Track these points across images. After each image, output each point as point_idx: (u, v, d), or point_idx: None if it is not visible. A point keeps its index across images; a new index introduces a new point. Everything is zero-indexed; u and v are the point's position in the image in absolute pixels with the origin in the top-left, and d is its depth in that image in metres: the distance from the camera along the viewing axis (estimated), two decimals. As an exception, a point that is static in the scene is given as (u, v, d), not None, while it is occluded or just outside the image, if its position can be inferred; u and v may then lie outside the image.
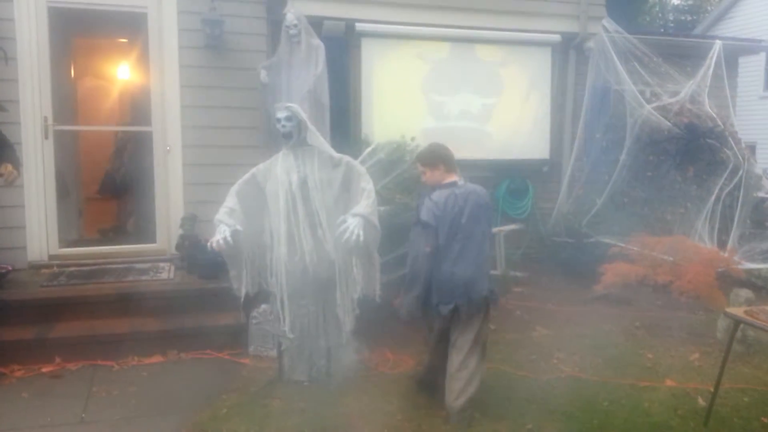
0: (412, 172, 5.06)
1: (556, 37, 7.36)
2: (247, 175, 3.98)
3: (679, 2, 23.48)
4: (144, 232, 5.94)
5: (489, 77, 7.32)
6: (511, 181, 7.40)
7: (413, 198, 4.85)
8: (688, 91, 7.50)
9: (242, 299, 3.99)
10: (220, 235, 3.57)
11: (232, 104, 5.40)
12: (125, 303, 4.48)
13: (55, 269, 5.06)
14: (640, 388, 4.01)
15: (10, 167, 3.92)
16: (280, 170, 3.87)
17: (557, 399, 3.83)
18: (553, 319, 5.43)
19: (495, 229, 6.71)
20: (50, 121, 5.11)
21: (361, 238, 3.55)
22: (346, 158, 3.96)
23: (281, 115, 3.82)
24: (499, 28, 7.10)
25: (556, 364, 4.40)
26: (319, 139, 3.98)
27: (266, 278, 3.98)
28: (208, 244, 3.59)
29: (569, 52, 7.56)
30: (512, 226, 6.91)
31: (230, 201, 3.82)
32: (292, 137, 3.84)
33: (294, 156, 3.88)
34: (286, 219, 3.81)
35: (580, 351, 4.63)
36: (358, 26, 6.49)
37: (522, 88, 7.48)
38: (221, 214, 3.72)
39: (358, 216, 3.62)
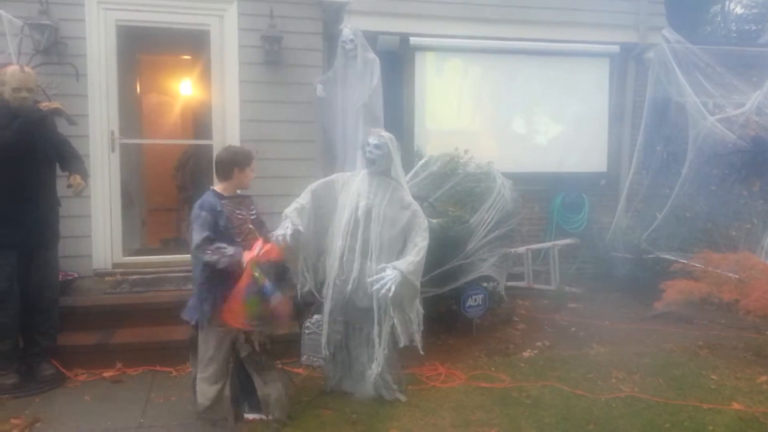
0: (466, 184, 5.04)
1: (615, 48, 7.21)
2: (329, 177, 4.04)
3: (742, 11, 22.61)
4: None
5: (544, 89, 7.23)
6: (565, 195, 7.25)
7: (466, 211, 4.81)
8: (754, 102, 7.18)
9: (299, 295, 3.98)
10: (282, 230, 3.59)
11: (289, 118, 5.51)
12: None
13: (119, 277, 5.24)
14: (704, 411, 3.82)
15: (78, 178, 4.10)
16: (354, 189, 3.90)
17: (616, 420, 3.69)
18: (610, 337, 5.26)
19: (549, 243, 6.59)
20: (117, 135, 5.34)
21: (390, 293, 3.55)
22: (416, 206, 3.93)
23: (372, 141, 3.81)
24: (555, 40, 7.01)
25: (615, 384, 4.25)
26: (400, 176, 3.97)
27: (319, 283, 4.02)
28: (271, 235, 3.60)
29: (628, 63, 7.39)
30: (567, 241, 6.77)
31: (303, 198, 3.84)
32: (375, 165, 3.83)
33: (370, 182, 3.88)
34: (343, 238, 3.84)
35: (640, 370, 4.47)
36: (413, 40, 6.54)
37: (579, 100, 7.35)
38: (291, 209, 3.74)
39: (398, 270, 3.60)
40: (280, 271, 3.91)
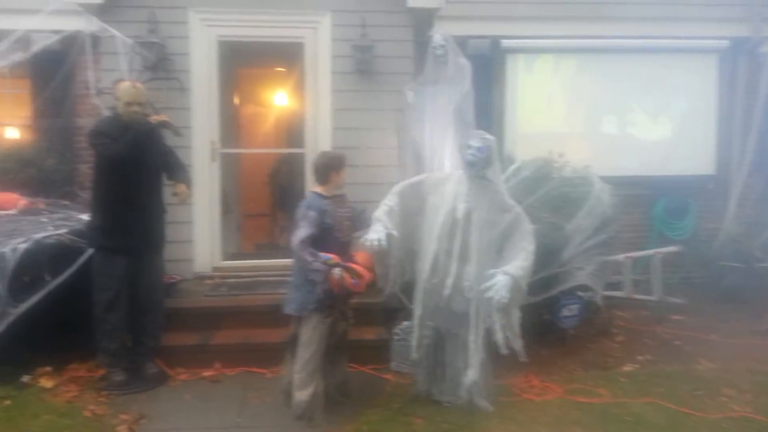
0: (561, 189, 4.84)
1: (724, 43, 6.71)
2: (415, 179, 4.02)
3: None
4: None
5: (643, 88, 6.84)
6: (669, 200, 6.81)
7: (562, 217, 4.62)
8: None
9: (384, 298, 3.99)
10: (375, 235, 3.59)
11: (379, 125, 5.57)
12: (278, 314, 4.67)
13: (217, 280, 5.48)
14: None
15: (183, 187, 4.33)
16: (449, 191, 3.83)
17: (729, 443, 3.40)
18: (719, 352, 4.88)
19: (651, 251, 6.22)
20: (217, 145, 5.60)
21: (504, 301, 3.47)
22: (518, 209, 3.83)
23: (475, 143, 3.73)
24: (656, 36, 6.62)
25: (726, 402, 3.93)
26: (498, 178, 3.91)
27: (407, 286, 4.01)
28: (363, 240, 3.65)
29: (738, 58, 6.84)
30: (670, 248, 6.34)
31: (391, 200, 3.84)
32: (475, 168, 3.75)
33: (469, 185, 3.79)
34: (438, 241, 3.77)
35: (753, 389, 4.12)
36: (504, 43, 6.40)
37: (682, 99, 6.90)
38: (380, 212, 3.75)
39: (509, 276, 3.52)
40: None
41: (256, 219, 7.68)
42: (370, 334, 4.62)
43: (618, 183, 5.13)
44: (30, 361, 4.12)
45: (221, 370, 4.46)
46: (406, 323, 4.39)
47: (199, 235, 5.55)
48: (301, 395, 3.67)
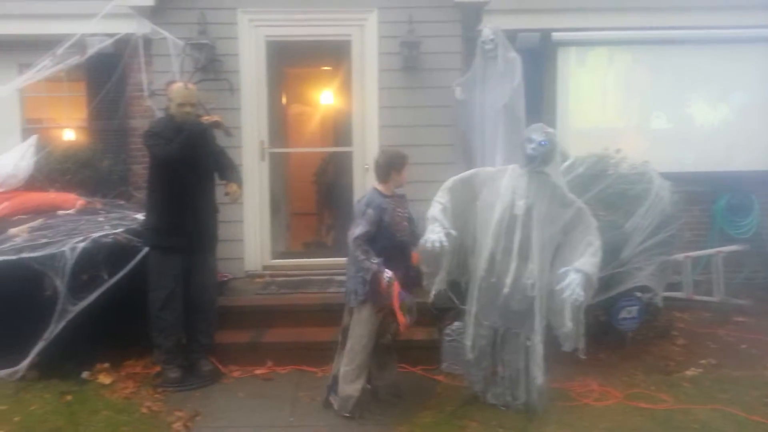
0: (618, 186, 4.67)
1: (789, 31, 6.35)
2: (466, 174, 3.92)
3: None
4: (343, 246, 6.25)
5: (704, 81, 6.54)
6: (731, 196, 6.49)
7: (620, 215, 4.45)
8: None
9: (432, 298, 3.89)
10: (434, 235, 3.51)
11: (427, 122, 5.49)
12: (328, 313, 4.69)
13: (267, 279, 5.51)
14: None
15: (234, 186, 4.36)
16: (505, 186, 3.73)
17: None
18: (788, 356, 4.61)
19: (712, 251, 5.95)
20: (266, 145, 5.63)
21: (581, 299, 3.36)
22: (579, 203, 3.71)
23: (537, 137, 3.62)
24: (716, 27, 6.31)
25: (800, 411, 3.70)
26: (557, 172, 3.80)
27: (458, 286, 3.95)
28: (422, 241, 3.57)
29: (805, 47, 6.46)
30: (733, 247, 6.05)
31: (443, 197, 3.75)
32: (536, 162, 3.63)
33: (528, 180, 3.67)
34: (494, 238, 3.67)
35: (828, 396, 3.86)
36: (555, 35, 6.21)
37: (745, 91, 6.56)
38: (436, 211, 3.66)
39: (581, 273, 3.41)
40: (414, 277, 3.89)
41: (303, 218, 7.72)
42: (419, 334, 4.56)
43: (676, 179, 4.92)
44: (89, 357, 4.22)
45: (273, 368, 4.48)
46: (457, 323, 4.31)
47: (250, 233, 5.60)
48: (349, 389, 3.66)
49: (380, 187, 3.73)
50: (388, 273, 3.50)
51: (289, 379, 4.36)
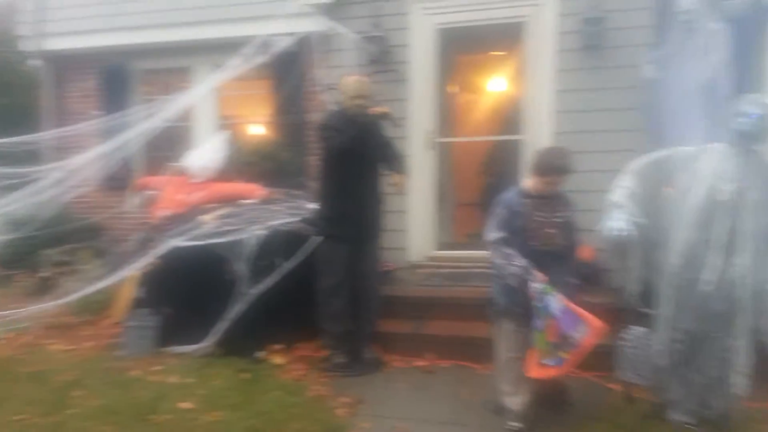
0: None
1: None
2: (657, 155, 3.40)
3: None
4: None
5: None
6: None
7: None
8: None
9: (627, 295, 3.48)
10: (616, 223, 3.14)
11: (610, 106, 5.01)
12: (490, 308, 4.54)
13: (431, 270, 5.45)
14: None
15: (400, 177, 4.37)
16: (704, 169, 3.19)
17: None
18: None
19: None
20: (433, 134, 5.56)
21: None
22: None
23: (751, 109, 3.08)
24: None
25: None
26: None
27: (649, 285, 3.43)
28: (607, 230, 3.19)
29: None
30: None
31: (630, 181, 3.30)
32: (748, 139, 3.10)
33: (738, 160, 3.12)
34: (692, 229, 3.16)
35: None
36: (770, -1, 5.28)
37: None
38: (620, 195, 3.26)
39: None
40: (592, 274, 3.51)
41: (469, 208, 7.53)
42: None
43: None
44: (265, 338, 4.49)
45: (434, 361, 4.43)
46: (640, 329, 3.85)
47: (414, 224, 5.58)
48: (510, 402, 3.41)
49: (527, 185, 3.33)
50: (538, 279, 3.10)
51: (449, 373, 4.27)
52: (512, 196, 3.31)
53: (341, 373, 4.25)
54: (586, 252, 3.30)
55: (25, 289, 6.10)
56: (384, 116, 4.24)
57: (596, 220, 3.37)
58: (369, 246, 4.43)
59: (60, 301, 5.16)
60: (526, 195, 3.29)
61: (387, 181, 4.45)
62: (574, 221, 3.40)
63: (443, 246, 5.89)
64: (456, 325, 4.63)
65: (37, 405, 3.67)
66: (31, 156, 6.16)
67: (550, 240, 3.24)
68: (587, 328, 3.01)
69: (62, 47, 7.25)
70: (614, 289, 3.64)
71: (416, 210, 5.58)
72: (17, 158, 5.72)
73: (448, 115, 6.86)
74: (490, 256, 3.28)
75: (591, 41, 4.98)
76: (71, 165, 5.72)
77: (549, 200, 3.30)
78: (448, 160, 6.63)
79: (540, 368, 3.14)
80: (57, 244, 6.31)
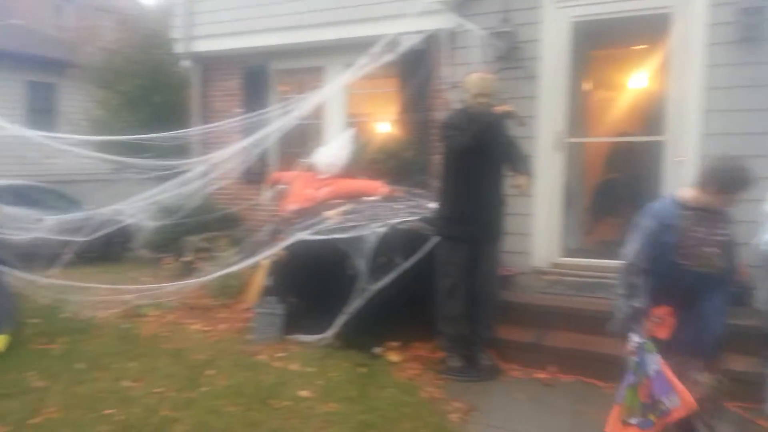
0: None
1: None
2: None
3: None
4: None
5: None
6: None
7: None
8: None
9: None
10: None
11: (766, 106, 4.49)
12: (620, 323, 4.24)
13: (554, 277, 5.21)
14: None
15: (524, 178, 4.23)
16: None
17: None
18: None
19: None
20: (563, 134, 5.30)
21: None
22: None
23: None
24: None
25: None
26: None
27: None
28: (764, 244, 2.83)
29: None
30: None
31: None
32: None
33: None
34: None
35: None
36: None
37: None
38: None
39: None
40: (742, 294, 3.13)
41: (598, 214, 7.12)
42: (738, 363, 3.74)
43: None
44: (382, 334, 4.55)
45: (555, 374, 4.24)
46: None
47: (538, 228, 5.37)
48: None
49: (687, 194, 2.81)
50: (637, 338, 2.72)
51: (571, 389, 4.06)
52: (665, 207, 2.84)
53: (456, 377, 4.19)
54: (741, 271, 2.90)
55: (170, 272, 6.70)
56: (508, 115, 4.12)
57: (750, 233, 2.99)
58: (489, 248, 4.32)
59: (197, 281, 5.61)
60: (685, 206, 2.79)
61: (510, 182, 4.33)
62: (736, 240, 2.89)
63: (569, 252, 5.61)
64: (580, 338, 4.39)
65: (174, 380, 4.00)
66: (179, 150, 6.74)
67: (708, 261, 2.74)
68: (679, 400, 2.64)
69: (208, 49, 7.86)
70: (762, 311, 3.22)
71: (541, 213, 5.36)
72: (168, 152, 6.29)
73: (580, 114, 6.51)
74: (617, 276, 2.91)
75: (749, 33, 4.47)
76: (214, 159, 6.18)
77: (710, 214, 2.79)
78: (578, 161, 6.30)
79: (623, 427, 2.83)
80: (199, 231, 6.85)
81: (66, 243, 5.80)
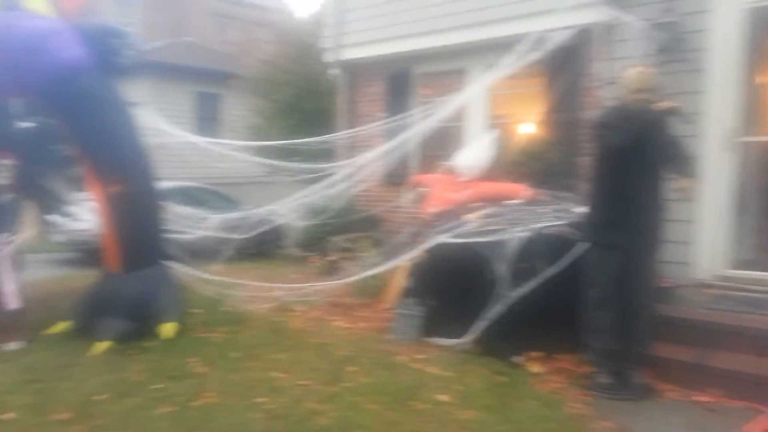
0: None
1: None
2: None
3: None
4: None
5: None
6: None
7: None
8: None
9: None
10: None
11: None
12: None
13: (720, 291, 4.69)
14: None
15: (688, 181, 3.90)
16: None
17: None
18: None
19: None
20: (735, 132, 4.76)
21: None
22: None
23: None
24: None
25: None
26: None
27: None
28: None
29: None
30: None
31: None
32: None
33: None
34: None
35: None
36: None
37: None
38: None
39: None
40: None
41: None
42: None
43: None
44: (522, 343, 4.38)
45: (720, 398, 3.82)
46: None
47: (703, 236, 4.87)
48: None
49: None
50: None
51: (737, 416, 3.60)
52: None
53: (605, 395, 3.91)
54: None
55: (316, 270, 7.03)
56: (672, 112, 3.80)
57: None
58: (645, 258, 3.99)
59: (342, 281, 5.81)
60: None
61: (671, 185, 3.97)
62: None
63: (739, 264, 5.01)
64: (751, 360, 3.92)
65: (319, 374, 4.16)
66: (327, 153, 7.06)
67: None
68: None
69: (354, 56, 8.17)
70: None
71: (707, 220, 4.85)
72: (317, 155, 6.61)
73: (756, 110, 5.79)
74: None
75: None
76: (358, 162, 6.38)
77: None
78: (753, 163, 5.60)
79: None
80: (343, 232, 7.11)
81: (225, 240, 6.31)
